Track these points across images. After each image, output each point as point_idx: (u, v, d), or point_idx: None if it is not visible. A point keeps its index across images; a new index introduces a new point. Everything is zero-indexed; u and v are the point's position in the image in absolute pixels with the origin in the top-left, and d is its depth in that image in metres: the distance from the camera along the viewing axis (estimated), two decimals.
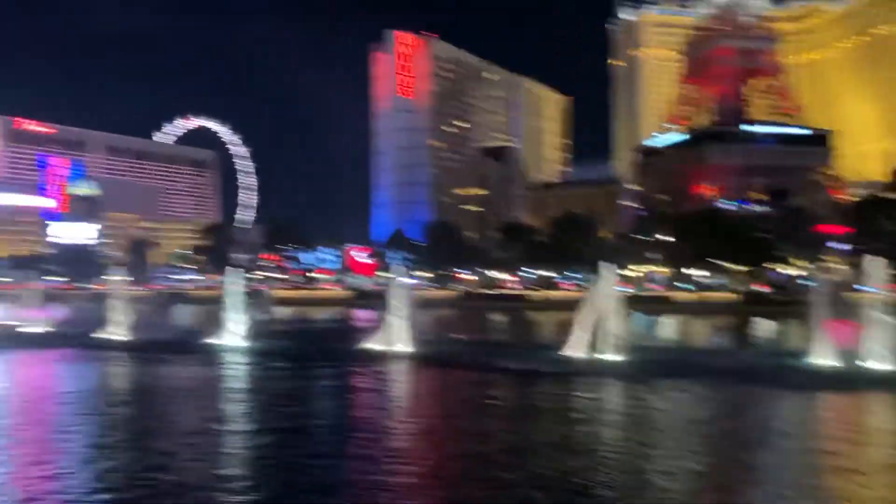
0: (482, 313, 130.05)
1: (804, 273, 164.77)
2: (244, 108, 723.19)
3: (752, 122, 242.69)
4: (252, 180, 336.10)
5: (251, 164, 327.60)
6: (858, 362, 51.31)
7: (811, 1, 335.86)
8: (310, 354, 62.81)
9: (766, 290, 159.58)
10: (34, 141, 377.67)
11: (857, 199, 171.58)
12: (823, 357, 52.86)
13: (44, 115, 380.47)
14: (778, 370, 51.81)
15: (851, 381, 47.45)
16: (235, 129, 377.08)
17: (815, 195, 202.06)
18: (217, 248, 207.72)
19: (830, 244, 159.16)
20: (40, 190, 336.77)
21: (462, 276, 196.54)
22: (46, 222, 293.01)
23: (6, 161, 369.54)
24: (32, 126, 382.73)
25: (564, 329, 62.90)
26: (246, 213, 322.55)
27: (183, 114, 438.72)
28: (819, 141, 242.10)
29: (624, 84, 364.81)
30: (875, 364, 50.96)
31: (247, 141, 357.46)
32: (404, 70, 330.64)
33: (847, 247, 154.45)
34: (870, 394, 43.75)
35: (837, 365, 51.54)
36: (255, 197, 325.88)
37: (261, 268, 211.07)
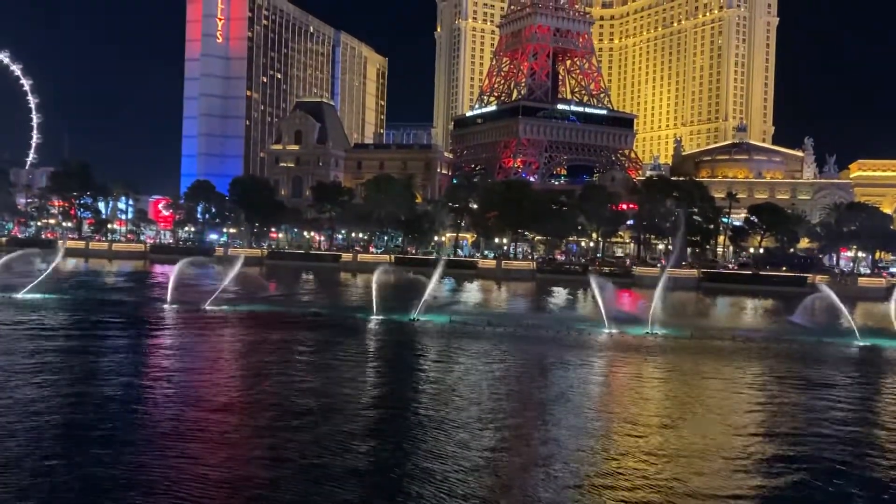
0: (289, 273, 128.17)
1: (599, 246, 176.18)
2: (47, 44, 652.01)
3: (561, 100, 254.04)
4: (34, 118, 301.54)
5: (33, 98, 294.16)
6: (644, 330, 56.18)
7: None
8: (93, 310, 59.04)
9: (562, 259, 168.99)
10: None
11: (646, 180, 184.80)
12: (608, 324, 57.38)
13: None
14: (566, 334, 55.41)
15: (627, 345, 51.72)
16: (20, 59, 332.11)
17: (615, 174, 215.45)
18: None
19: (624, 221, 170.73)
20: None
21: (274, 234, 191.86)
22: None
23: None
24: None
25: (370, 291, 63.63)
26: (30, 154, 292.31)
27: None
28: (624, 123, 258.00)
29: (446, 53, 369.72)
30: (657, 331, 56.06)
31: (32, 73, 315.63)
32: (221, 13, 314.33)
33: (634, 223, 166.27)
34: (635, 357, 47.84)
35: (618, 331, 56.13)
36: (36, 136, 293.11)
37: (48, 214, 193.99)
